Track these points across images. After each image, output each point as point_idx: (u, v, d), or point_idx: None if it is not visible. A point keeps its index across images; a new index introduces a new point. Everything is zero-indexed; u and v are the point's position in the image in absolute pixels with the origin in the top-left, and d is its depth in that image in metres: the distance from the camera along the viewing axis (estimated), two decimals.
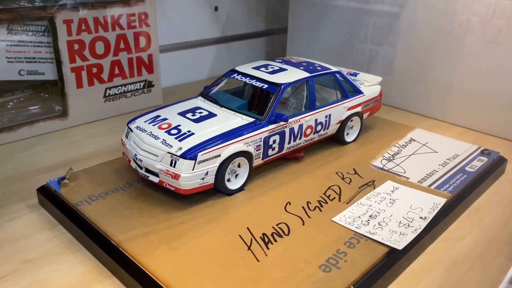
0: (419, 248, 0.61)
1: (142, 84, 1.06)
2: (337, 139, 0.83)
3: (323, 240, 0.57)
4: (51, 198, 0.66)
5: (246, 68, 0.78)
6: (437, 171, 0.76)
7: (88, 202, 0.64)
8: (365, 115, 0.86)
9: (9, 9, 0.83)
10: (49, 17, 0.88)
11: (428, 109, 1.07)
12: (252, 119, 0.69)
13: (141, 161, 0.64)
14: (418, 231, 0.59)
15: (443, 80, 1.02)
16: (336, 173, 0.74)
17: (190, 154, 0.61)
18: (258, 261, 0.53)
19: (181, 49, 1.27)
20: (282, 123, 0.70)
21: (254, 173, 0.73)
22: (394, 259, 0.56)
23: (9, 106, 0.91)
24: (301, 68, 0.78)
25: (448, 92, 1.02)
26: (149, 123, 0.68)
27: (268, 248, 0.55)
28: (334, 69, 0.81)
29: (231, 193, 0.67)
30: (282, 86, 0.72)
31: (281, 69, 0.77)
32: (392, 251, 0.57)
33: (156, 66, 1.07)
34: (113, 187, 0.68)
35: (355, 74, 0.92)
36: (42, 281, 0.55)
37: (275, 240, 0.57)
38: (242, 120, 0.68)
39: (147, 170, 0.65)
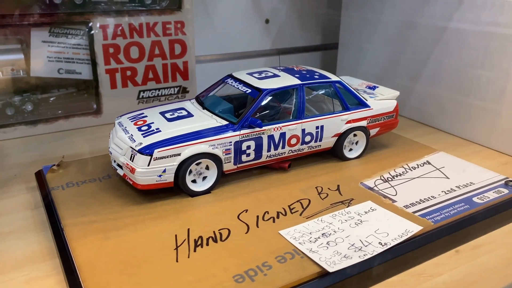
0: (370, 276, 0.54)
1: (176, 89, 1.11)
2: (336, 154, 0.78)
3: (256, 250, 0.54)
4: (40, 182, 0.72)
5: (241, 74, 0.77)
6: (435, 198, 0.67)
7: (63, 187, 0.68)
8: (372, 131, 0.79)
9: (50, 13, 0.93)
10: (86, 22, 0.97)
11: (473, 133, 0.95)
12: (226, 122, 0.68)
13: (111, 153, 0.67)
14: (368, 257, 0.53)
15: (491, 101, 0.90)
16: (316, 187, 0.69)
17: (147, 150, 0.62)
18: (177, 261, 0.52)
19: (229, 60, 1.29)
20: (257, 129, 0.68)
21: (229, 178, 0.71)
22: (323, 282, 0.50)
23: (50, 101, 1.01)
24: (296, 76, 0.75)
25: (495, 116, 0.90)
26: (130, 120, 0.70)
27: (195, 251, 0.54)
28: (334, 78, 0.76)
29: (193, 194, 0.66)
30: (264, 92, 0.69)
31: (275, 75, 0.75)
32: (326, 273, 0.51)
33: (191, 73, 1.11)
34: (92, 177, 0.71)
35: (373, 88, 0.85)
36: None
37: (207, 244, 0.55)
38: (216, 122, 0.68)
39: (119, 164, 0.67)
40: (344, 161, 0.78)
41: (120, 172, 0.66)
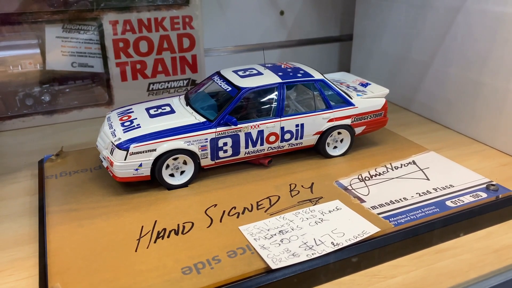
0: (321, 275, 0.55)
1: (185, 82, 1.14)
2: (319, 152, 0.79)
3: (211, 244, 0.57)
4: (40, 170, 0.79)
5: (227, 71, 0.79)
6: (406, 200, 0.66)
7: (56, 176, 0.74)
8: (358, 129, 0.80)
9: (63, 10, 0.99)
10: (97, 18, 1.02)
11: (478, 132, 0.92)
12: (204, 120, 0.70)
13: (97, 146, 0.72)
14: (315, 256, 0.54)
15: (496, 98, 0.86)
16: (290, 184, 0.70)
17: (124, 145, 0.66)
18: (136, 251, 0.56)
19: (243, 52, 1.31)
20: (233, 126, 0.70)
21: (209, 173, 0.74)
22: (266, 279, 0.52)
23: (66, 92, 1.08)
24: (279, 74, 0.76)
25: (500, 114, 0.86)
26: (117, 115, 0.75)
27: (155, 242, 0.58)
28: (317, 77, 0.77)
29: (170, 187, 0.70)
30: (242, 90, 0.72)
31: (258, 73, 0.77)
32: (271, 270, 0.53)
33: (200, 66, 1.14)
34: (84, 168, 0.77)
35: (366, 85, 0.85)
36: None
37: (168, 236, 0.59)
38: (194, 119, 0.71)
39: (104, 157, 0.72)
40: (327, 158, 0.79)
41: (105, 164, 0.71)
